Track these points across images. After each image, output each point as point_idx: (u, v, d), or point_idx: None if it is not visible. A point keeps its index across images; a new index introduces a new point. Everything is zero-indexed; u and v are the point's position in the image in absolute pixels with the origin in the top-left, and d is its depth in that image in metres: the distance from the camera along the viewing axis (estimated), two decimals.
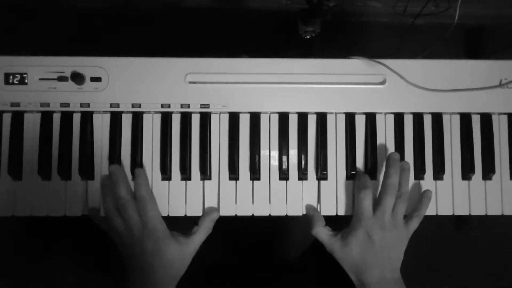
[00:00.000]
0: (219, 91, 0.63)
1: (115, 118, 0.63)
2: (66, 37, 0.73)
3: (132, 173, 0.62)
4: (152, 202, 0.59)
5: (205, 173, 0.62)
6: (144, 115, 0.63)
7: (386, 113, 0.64)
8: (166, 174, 0.62)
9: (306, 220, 0.62)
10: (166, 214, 0.62)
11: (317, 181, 0.63)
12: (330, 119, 0.64)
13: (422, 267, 0.56)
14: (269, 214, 0.63)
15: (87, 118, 0.63)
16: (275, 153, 0.63)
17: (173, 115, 0.63)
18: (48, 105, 0.62)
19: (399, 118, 0.64)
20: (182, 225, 0.61)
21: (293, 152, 0.63)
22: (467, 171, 0.64)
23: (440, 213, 0.63)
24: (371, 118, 0.64)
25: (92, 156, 0.62)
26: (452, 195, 0.64)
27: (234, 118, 0.63)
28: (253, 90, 0.63)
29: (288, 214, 0.63)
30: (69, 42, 0.72)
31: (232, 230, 0.62)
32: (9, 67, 0.62)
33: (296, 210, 0.63)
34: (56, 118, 0.62)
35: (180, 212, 0.62)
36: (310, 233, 0.61)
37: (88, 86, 0.62)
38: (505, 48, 0.72)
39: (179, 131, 0.63)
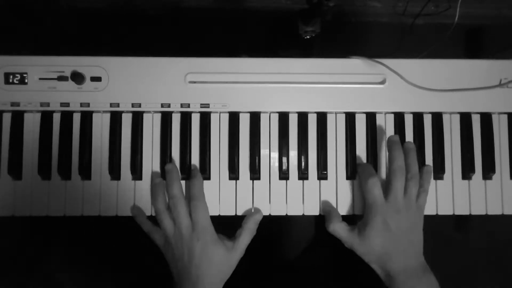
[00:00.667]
0: (219, 91, 0.63)
1: (115, 118, 0.63)
2: (66, 37, 0.73)
3: (134, 172, 0.62)
4: (203, 204, 0.60)
5: (205, 173, 0.62)
6: (144, 115, 0.63)
7: (386, 113, 0.64)
8: None
9: (306, 220, 0.62)
10: None
11: (317, 181, 0.63)
12: (330, 119, 0.64)
13: None
14: (269, 214, 0.63)
15: (87, 117, 0.63)
16: (275, 153, 0.63)
17: (173, 114, 0.63)
18: (48, 104, 0.62)
19: (399, 118, 0.64)
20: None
21: (293, 152, 0.63)
22: (467, 171, 0.64)
23: (440, 213, 0.63)
24: (371, 118, 0.64)
25: (92, 156, 0.62)
26: (452, 195, 0.64)
27: (234, 117, 0.63)
28: (253, 90, 0.63)
29: (288, 214, 0.63)
30: (69, 42, 0.72)
31: (232, 230, 0.61)
32: (9, 67, 0.62)
33: (296, 209, 0.63)
34: (56, 118, 0.62)
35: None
36: (326, 229, 0.61)
37: (88, 85, 0.62)
38: (505, 48, 0.72)
39: (179, 131, 0.63)
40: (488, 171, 0.64)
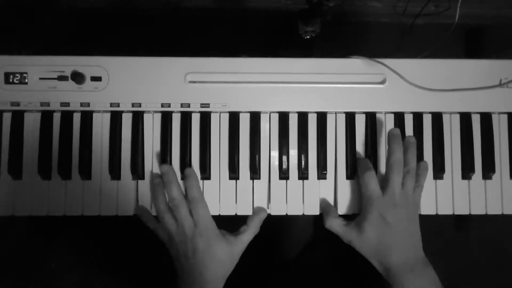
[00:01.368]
0: (219, 91, 0.63)
1: (115, 118, 0.63)
2: (66, 37, 0.73)
3: (134, 172, 0.62)
4: (203, 202, 0.60)
5: (205, 173, 0.62)
6: (144, 115, 0.63)
7: (386, 113, 0.64)
8: None
9: (307, 219, 0.62)
10: None
11: (317, 181, 0.63)
12: (330, 119, 0.64)
13: None
14: (269, 214, 0.63)
15: (87, 117, 0.63)
16: (275, 153, 0.63)
17: (173, 114, 0.63)
18: (48, 104, 0.62)
19: (399, 118, 0.64)
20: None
21: (293, 151, 0.63)
22: (467, 171, 0.64)
23: (440, 213, 0.63)
24: (371, 118, 0.64)
25: (91, 155, 0.62)
26: (452, 195, 0.64)
27: (234, 117, 0.63)
28: (253, 90, 0.63)
29: (289, 214, 0.63)
30: (69, 42, 0.72)
31: (232, 230, 0.61)
32: (9, 67, 0.62)
33: (296, 209, 0.63)
34: (56, 117, 0.63)
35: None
36: (324, 226, 0.61)
37: (88, 85, 0.62)
38: (505, 48, 0.72)
39: (179, 131, 0.63)
40: (488, 171, 0.64)
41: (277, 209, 0.63)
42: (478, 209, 0.64)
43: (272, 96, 0.63)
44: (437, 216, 0.64)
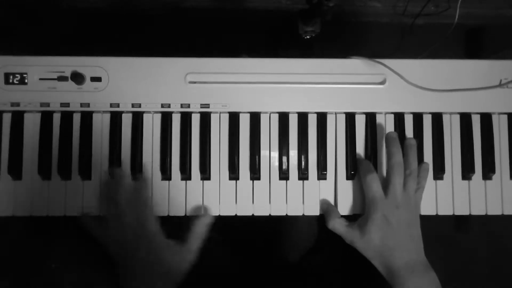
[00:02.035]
0: (219, 91, 0.63)
1: (115, 118, 0.63)
2: (66, 37, 0.73)
3: (134, 173, 0.62)
4: (149, 207, 0.60)
5: (205, 173, 0.62)
6: (144, 115, 0.63)
7: (386, 113, 0.64)
8: (166, 174, 0.62)
9: (306, 220, 0.62)
10: (166, 214, 0.62)
11: (317, 181, 0.63)
12: (330, 119, 0.64)
13: None
14: (269, 214, 0.63)
15: (87, 118, 0.63)
16: (275, 153, 0.63)
17: (173, 115, 0.63)
18: (48, 105, 0.62)
19: (399, 118, 0.64)
20: (184, 225, 0.61)
21: (293, 152, 0.63)
22: (467, 171, 0.64)
23: (440, 213, 0.63)
24: (371, 118, 0.64)
25: (91, 156, 0.62)
26: (452, 195, 0.64)
27: (234, 118, 0.63)
28: (253, 90, 0.63)
29: (289, 214, 0.63)
30: (69, 42, 0.72)
31: (232, 230, 0.61)
32: (9, 67, 0.62)
33: (297, 209, 0.63)
34: (56, 118, 0.63)
35: (180, 212, 0.62)
36: (326, 226, 0.61)
37: (88, 86, 0.62)
38: (505, 48, 0.72)
39: (179, 131, 0.63)
40: (488, 171, 0.64)
41: (277, 209, 0.63)
42: (478, 210, 0.64)
43: (272, 96, 0.63)
44: (437, 216, 0.64)
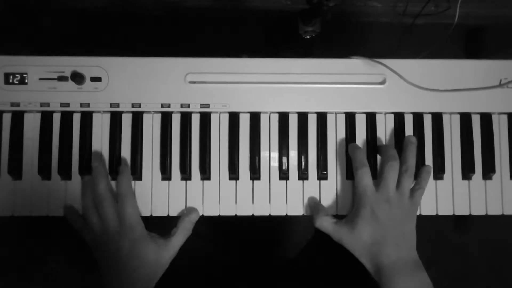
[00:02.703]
0: (219, 91, 0.63)
1: (115, 118, 0.63)
2: (66, 37, 0.73)
3: (134, 173, 0.62)
4: (131, 200, 0.59)
5: (205, 173, 0.62)
6: (144, 115, 0.63)
7: (386, 113, 0.64)
8: (166, 174, 0.62)
9: (306, 220, 0.62)
10: (166, 214, 0.62)
11: (317, 181, 0.63)
12: (330, 119, 0.64)
13: None
14: (269, 214, 0.63)
15: (87, 118, 0.63)
16: (275, 153, 0.63)
17: (173, 115, 0.63)
18: (48, 105, 0.62)
19: (399, 118, 0.64)
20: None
21: (293, 152, 0.63)
22: (467, 171, 0.64)
23: (440, 213, 0.63)
24: (371, 118, 0.64)
25: (92, 156, 0.62)
26: (452, 195, 0.64)
27: (234, 118, 0.63)
28: (253, 90, 0.63)
29: (288, 214, 0.63)
30: (69, 42, 0.72)
31: (232, 229, 0.61)
32: (9, 67, 0.62)
33: (296, 210, 0.63)
34: (56, 118, 0.62)
35: (180, 212, 0.62)
36: (313, 226, 0.59)
37: (88, 86, 0.62)
38: (505, 48, 0.72)
39: (179, 131, 0.63)
40: (488, 171, 0.64)
41: (277, 209, 0.63)
42: (478, 210, 0.63)
43: (272, 96, 0.63)
44: (437, 216, 0.64)
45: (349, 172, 0.63)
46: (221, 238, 0.70)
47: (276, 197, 0.63)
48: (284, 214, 0.63)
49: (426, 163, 0.63)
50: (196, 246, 0.64)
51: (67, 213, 0.61)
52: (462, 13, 0.65)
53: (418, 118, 0.64)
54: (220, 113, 0.63)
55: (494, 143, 0.64)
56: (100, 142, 0.62)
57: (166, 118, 0.63)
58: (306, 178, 0.63)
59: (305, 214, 0.63)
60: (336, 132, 0.64)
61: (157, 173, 0.62)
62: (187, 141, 0.63)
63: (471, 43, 0.74)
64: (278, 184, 0.63)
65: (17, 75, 0.62)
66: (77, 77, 0.61)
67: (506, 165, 0.64)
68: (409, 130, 0.64)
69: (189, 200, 0.62)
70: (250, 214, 0.63)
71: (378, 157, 0.64)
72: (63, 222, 0.63)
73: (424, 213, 0.63)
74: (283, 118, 0.64)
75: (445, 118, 0.64)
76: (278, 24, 0.74)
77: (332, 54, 0.64)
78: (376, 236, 0.55)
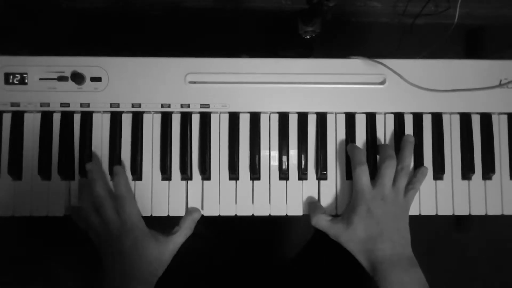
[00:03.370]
0: (219, 91, 0.63)
1: (115, 118, 0.63)
2: (66, 37, 0.73)
3: (133, 173, 0.62)
4: (130, 199, 0.59)
5: (205, 173, 0.62)
6: (144, 115, 0.63)
7: (386, 113, 0.64)
8: (166, 174, 0.62)
9: (306, 220, 0.62)
10: (166, 214, 0.62)
11: (317, 181, 0.63)
12: (330, 119, 0.64)
13: (421, 267, 0.56)
14: (269, 214, 0.63)
15: (87, 118, 0.63)
16: (275, 153, 0.63)
17: (173, 115, 0.63)
18: (48, 105, 0.62)
19: (399, 118, 0.64)
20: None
21: (293, 152, 0.63)
22: (467, 171, 0.64)
23: (440, 213, 0.63)
24: (371, 118, 0.64)
25: (92, 156, 0.62)
26: (452, 195, 0.64)
27: (234, 118, 0.63)
28: (253, 90, 0.63)
29: (288, 214, 0.63)
30: (69, 42, 0.72)
31: (232, 229, 0.61)
32: (9, 67, 0.62)
33: (296, 210, 0.63)
34: (56, 118, 0.62)
35: (180, 212, 0.62)
36: (311, 225, 0.60)
37: (88, 86, 0.62)
38: (505, 48, 0.72)
39: (179, 131, 0.63)
40: (488, 171, 0.64)
41: (277, 209, 0.63)
42: (478, 210, 0.63)
43: (272, 97, 0.63)
44: (437, 216, 0.64)
45: (349, 173, 0.63)
46: (221, 238, 0.70)
47: (276, 197, 0.63)
48: (284, 214, 0.63)
49: (426, 163, 0.63)
50: (196, 246, 0.64)
51: (72, 213, 0.61)
52: (462, 13, 0.65)
53: (418, 118, 0.64)
54: (220, 113, 0.63)
55: (494, 143, 0.64)
56: (100, 142, 0.63)
57: (166, 118, 0.63)
58: (306, 178, 0.63)
59: (305, 214, 0.63)
60: (336, 132, 0.64)
61: (157, 173, 0.62)
62: (187, 141, 0.63)
63: (471, 43, 0.74)
64: (278, 184, 0.63)
65: (17, 75, 0.62)
66: (77, 77, 0.61)
67: (506, 165, 0.64)
68: (409, 130, 0.64)
69: (189, 200, 0.62)
70: (250, 214, 0.63)
71: (378, 157, 0.64)
72: (63, 222, 0.63)
73: (424, 213, 0.63)
74: (283, 118, 0.64)
75: (445, 118, 0.64)
76: (278, 24, 0.74)
77: (332, 54, 0.64)
78: (371, 232, 0.56)
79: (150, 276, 0.58)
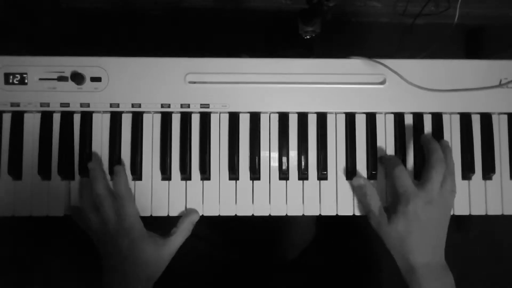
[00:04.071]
0: (219, 91, 0.63)
1: (115, 118, 0.63)
2: (66, 37, 0.73)
3: (133, 173, 0.62)
4: (130, 200, 0.59)
5: (205, 173, 0.62)
6: (144, 115, 0.63)
7: (386, 113, 0.64)
8: (166, 174, 0.62)
9: (306, 220, 0.62)
10: (165, 214, 0.62)
11: (317, 181, 0.63)
12: (330, 119, 0.64)
13: None
14: (269, 214, 0.63)
15: (87, 118, 0.63)
16: (275, 153, 0.63)
17: (173, 115, 0.63)
18: (48, 105, 0.62)
19: (399, 118, 0.64)
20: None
21: (293, 152, 0.63)
22: (467, 171, 0.64)
23: None
24: (371, 118, 0.64)
25: (92, 156, 0.62)
26: None
27: (234, 118, 0.63)
28: (253, 90, 0.63)
29: (288, 214, 0.63)
30: (69, 42, 0.72)
31: (232, 229, 0.61)
32: (9, 67, 0.62)
33: (296, 210, 0.63)
34: (56, 118, 0.62)
35: (180, 212, 0.62)
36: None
37: (88, 86, 0.62)
38: (505, 48, 0.72)
39: (179, 131, 0.63)
40: (488, 171, 0.64)
41: (277, 209, 0.63)
42: (478, 210, 0.63)
43: (272, 97, 0.63)
44: None
45: (349, 173, 0.63)
46: (221, 238, 0.70)
47: (276, 197, 0.63)
48: (284, 214, 0.63)
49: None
50: (195, 246, 0.64)
51: (72, 213, 0.61)
52: (462, 13, 0.65)
53: (418, 118, 0.64)
54: (220, 113, 0.63)
55: (494, 143, 0.64)
56: (100, 142, 0.63)
57: (166, 118, 0.63)
58: (306, 178, 0.63)
59: (305, 214, 0.63)
60: (336, 132, 0.64)
61: (157, 173, 0.62)
62: (187, 141, 0.63)
63: (471, 43, 0.74)
64: (278, 184, 0.63)
65: (17, 75, 0.62)
66: (77, 77, 0.61)
67: (506, 165, 0.64)
68: (409, 130, 0.64)
69: (189, 200, 0.62)
70: (250, 214, 0.63)
71: (378, 157, 0.64)
72: (63, 222, 0.63)
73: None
74: (283, 118, 0.64)
75: (445, 118, 0.64)
76: (278, 24, 0.74)
77: (332, 54, 0.64)
78: (413, 235, 0.56)
79: (147, 278, 0.58)
